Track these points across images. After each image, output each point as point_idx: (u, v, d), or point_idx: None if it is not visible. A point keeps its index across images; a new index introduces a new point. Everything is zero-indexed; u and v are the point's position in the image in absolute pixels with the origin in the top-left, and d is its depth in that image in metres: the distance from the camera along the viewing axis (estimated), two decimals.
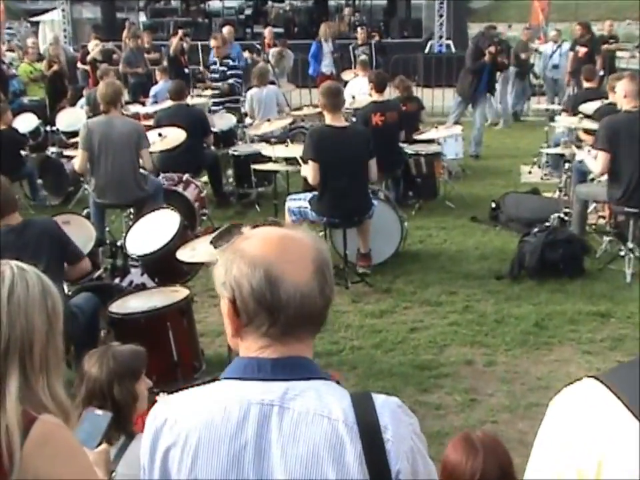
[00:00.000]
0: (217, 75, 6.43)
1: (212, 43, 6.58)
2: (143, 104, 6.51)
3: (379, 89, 4.68)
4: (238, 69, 6.58)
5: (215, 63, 6.51)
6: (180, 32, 8.79)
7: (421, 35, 12.23)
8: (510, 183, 5.43)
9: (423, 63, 10.05)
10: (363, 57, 7.57)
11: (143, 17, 13.76)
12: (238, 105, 6.31)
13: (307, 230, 0.85)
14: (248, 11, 13.31)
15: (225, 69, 6.42)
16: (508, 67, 7.67)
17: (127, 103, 6.28)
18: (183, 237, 2.99)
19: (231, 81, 6.43)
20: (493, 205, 4.62)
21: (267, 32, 9.04)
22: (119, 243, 3.24)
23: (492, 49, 6.54)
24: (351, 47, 8.41)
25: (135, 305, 2.62)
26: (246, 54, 8.28)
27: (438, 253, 4.09)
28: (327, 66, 8.36)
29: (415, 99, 5.90)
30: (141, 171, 3.95)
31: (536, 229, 3.73)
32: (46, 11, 13.43)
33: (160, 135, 4.34)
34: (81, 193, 5.06)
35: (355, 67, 7.54)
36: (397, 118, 4.64)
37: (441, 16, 10.89)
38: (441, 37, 10.88)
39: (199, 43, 8.54)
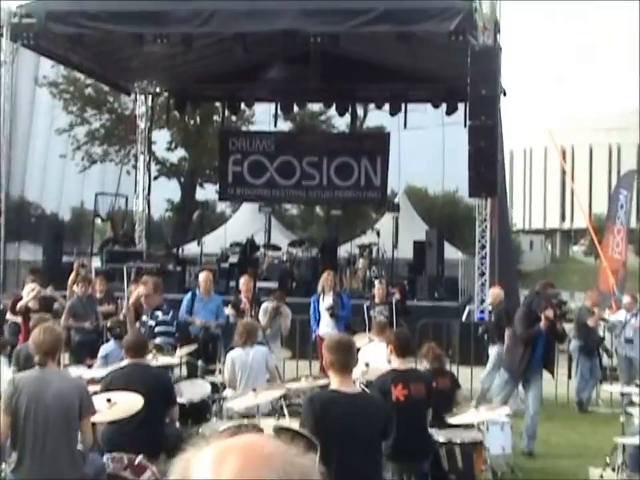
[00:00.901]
0: (143, 330, 6.75)
1: (140, 289, 7.14)
2: (90, 366, 6.83)
3: (401, 352, 4.84)
4: (169, 324, 6.86)
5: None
6: (142, 279, 9.74)
7: (457, 298, 13.76)
8: None
9: (460, 332, 10.71)
10: (381, 317, 8.39)
11: (97, 262, 15.85)
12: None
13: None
14: (233, 259, 15.30)
15: (153, 323, 6.74)
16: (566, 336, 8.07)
17: (67, 365, 6.63)
18: None
19: (158, 340, 6.63)
20: None
21: (243, 281, 9.40)
22: None
23: (549, 312, 6.78)
24: (365, 307, 9.37)
25: None
26: (228, 310, 9.17)
27: None
28: (326, 326, 9.18)
29: (449, 374, 6.24)
30: (79, 446, 4.03)
31: None
32: None
33: (109, 400, 4.45)
34: None
35: (369, 330, 8.01)
36: (424, 392, 4.76)
37: (482, 274, 12.12)
38: (482, 301, 11.67)
39: (168, 296, 9.58)
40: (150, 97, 18.53)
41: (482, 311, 11.67)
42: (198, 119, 25.30)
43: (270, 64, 17.00)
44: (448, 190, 29.71)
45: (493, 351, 8.98)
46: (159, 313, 6.89)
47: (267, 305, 9.10)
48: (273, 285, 14.04)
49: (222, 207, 31.91)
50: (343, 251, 17.03)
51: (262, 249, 16.48)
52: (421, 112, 18.11)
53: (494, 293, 9.62)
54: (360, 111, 24.85)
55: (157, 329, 6.62)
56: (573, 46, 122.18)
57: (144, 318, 6.97)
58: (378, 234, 16.46)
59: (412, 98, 17.82)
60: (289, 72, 16.61)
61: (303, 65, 15.71)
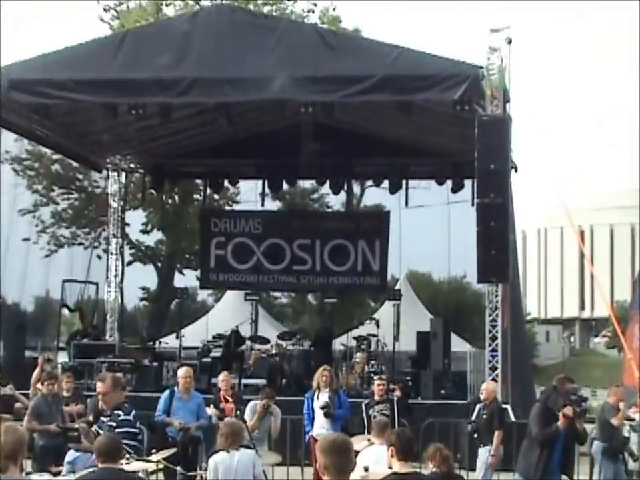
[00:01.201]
0: (101, 432, 6.54)
1: (97, 386, 7.03)
2: (55, 474, 6.88)
3: (403, 455, 4.76)
4: (132, 426, 6.60)
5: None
6: (99, 376, 9.31)
7: (465, 395, 13.53)
8: None
9: (469, 435, 10.46)
10: (381, 417, 8.41)
11: (64, 357, 15.85)
12: None
13: None
14: (216, 353, 15.41)
15: (114, 424, 6.56)
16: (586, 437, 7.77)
17: (29, 473, 6.70)
18: None
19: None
20: None
21: (222, 378, 9.57)
22: None
23: (568, 410, 6.72)
24: (363, 405, 9.46)
25: None
26: (210, 410, 9.31)
27: None
28: (321, 426, 9.24)
29: (459, 478, 6.07)
30: None
31: None
32: None
33: None
34: None
35: (368, 431, 8.06)
36: None
37: (493, 369, 12.16)
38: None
39: (142, 394, 9.74)
40: (123, 174, 18.91)
41: None
42: (177, 198, 25.70)
43: (257, 137, 17.46)
44: (454, 275, 29.95)
45: (483, 452, 9.16)
46: (119, 413, 6.79)
47: (255, 404, 9.18)
48: (260, 381, 14.15)
49: (203, 295, 32.09)
50: (339, 343, 17.16)
51: (248, 342, 16.57)
52: (424, 189, 18.66)
53: (488, 388, 9.77)
54: (356, 189, 25.52)
55: (117, 431, 6.46)
56: (592, 116, 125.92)
57: (102, 419, 6.90)
58: (377, 324, 16.61)
59: (414, 174, 18.37)
60: (277, 146, 17.07)
61: (293, 138, 16.07)
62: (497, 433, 9.22)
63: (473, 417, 9.97)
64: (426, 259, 24.35)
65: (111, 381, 7.03)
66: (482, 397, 9.82)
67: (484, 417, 9.45)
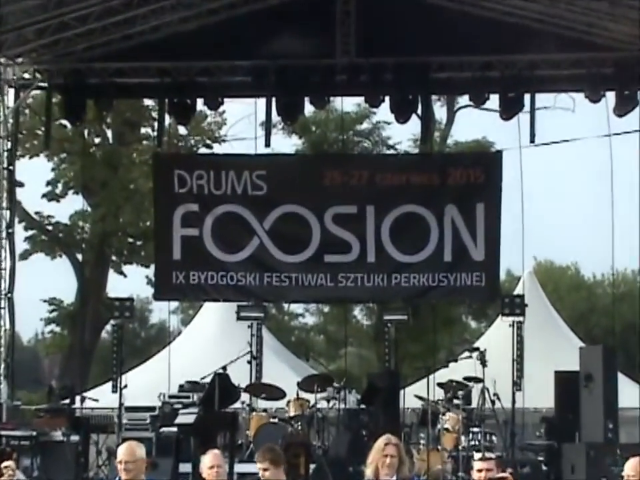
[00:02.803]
0: None
1: None
2: None
3: None
4: None
5: None
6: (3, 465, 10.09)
7: None
8: None
9: None
10: None
11: None
12: None
13: None
14: (186, 417, 15.48)
15: None
16: None
17: None
18: None
19: None
20: None
21: (209, 464, 9.79)
22: None
23: None
24: None
25: None
26: None
27: None
28: None
29: None
30: None
31: None
32: None
33: None
34: None
35: None
36: None
37: None
38: None
39: None
40: (11, 92, 19.22)
41: None
42: (109, 135, 26.29)
43: (253, 17, 17.84)
44: (622, 270, 29.78)
45: None
46: None
47: None
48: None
49: (161, 311, 32.02)
50: (412, 396, 17.37)
51: (245, 396, 16.99)
52: (564, 111, 19.38)
53: (634, 465, 9.87)
54: (440, 112, 25.67)
55: None
56: None
57: None
58: (482, 360, 16.90)
59: (546, 82, 18.55)
60: (291, 33, 17.47)
61: (322, 17, 16.55)
62: None
63: None
64: (568, 242, 24.12)
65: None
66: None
67: None
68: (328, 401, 17.02)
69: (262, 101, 19.53)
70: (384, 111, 20.43)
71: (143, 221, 25.35)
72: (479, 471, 10.12)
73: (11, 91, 19.38)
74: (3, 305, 18.85)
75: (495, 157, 20.25)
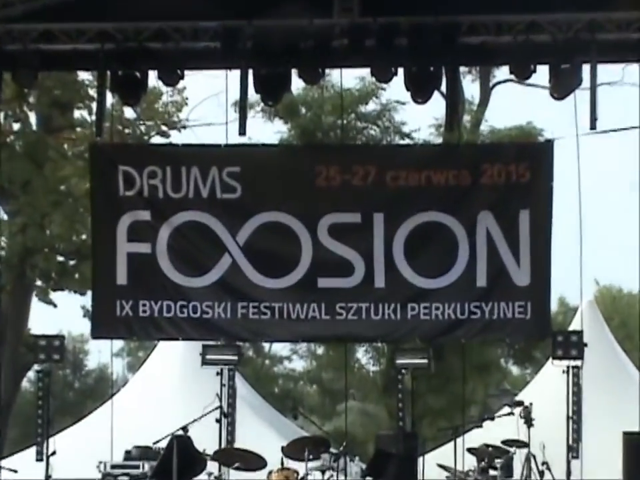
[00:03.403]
0: None
1: None
2: None
3: None
4: None
5: None
6: None
7: None
8: None
9: None
10: None
11: None
12: None
13: None
14: None
15: None
16: None
17: None
18: None
19: None
20: None
21: None
22: None
23: None
24: None
25: None
26: None
27: None
28: None
29: None
30: None
31: None
32: None
33: None
34: None
35: None
36: None
37: None
38: None
39: None
40: None
41: None
42: (32, 121, 26.20)
43: None
44: None
45: None
46: None
47: None
48: None
49: (101, 352, 32.24)
50: (433, 465, 17.59)
51: (214, 465, 17.04)
52: (634, 89, 18.79)
53: None
54: (471, 88, 25.52)
55: None
56: None
57: None
58: (527, 418, 16.89)
59: (609, 50, 18.22)
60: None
61: None
62: None
63: None
64: None
65: None
66: None
67: None
68: (323, 472, 17.00)
69: (235, 74, 19.19)
70: (396, 88, 19.83)
71: (77, 234, 25.28)
72: None
73: None
74: None
75: (543, 149, 19.96)
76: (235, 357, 18.55)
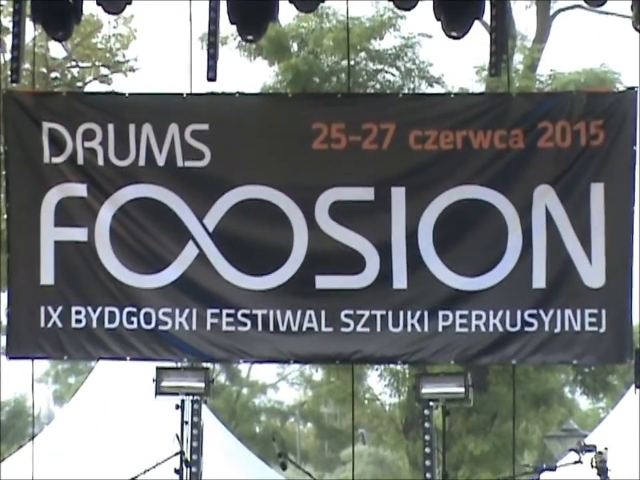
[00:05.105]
0: None
1: None
2: None
3: None
4: None
5: None
6: None
7: None
8: None
9: None
10: None
11: None
12: None
13: None
14: None
15: None
16: None
17: None
18: None
19: None
20: None
21: None
22: None
23: None
24: None
25: None
26: None
27: None
28: None
29: None
30: None
31: None
32: None
33: None
34: None
35: None
36: None
37: None
38: None
39: None
40: None
41: None
42: None
43: None
44: None
45: None
46: None
47: None
48: None
49: (17, 377, 32.46)
50: None
51: None
52: None
53: None
54: (524, 20, 25.61)
55: None
56: None
57: None
58: (599, 467, 17.33)
59: None
60: None
61: None
62: None
63: None
64: None
65: None
66: None
67: None
68: None
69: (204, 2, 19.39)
70: (422, 17, 20.25)
71: None
72: None
73: None
74: None
75: (623, 100, 19.78)
76: (202, 385, 18.65)
